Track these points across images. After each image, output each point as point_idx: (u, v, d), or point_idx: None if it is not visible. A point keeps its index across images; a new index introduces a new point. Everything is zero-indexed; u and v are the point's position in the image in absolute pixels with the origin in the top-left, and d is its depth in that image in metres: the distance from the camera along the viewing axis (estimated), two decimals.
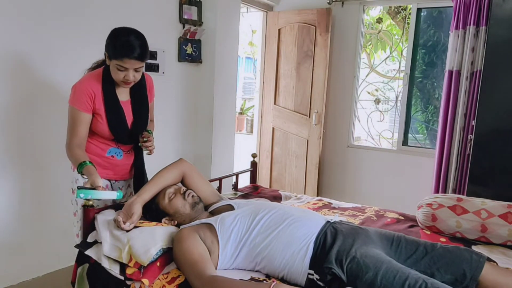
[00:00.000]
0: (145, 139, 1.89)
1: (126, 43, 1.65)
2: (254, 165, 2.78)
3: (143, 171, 2.02)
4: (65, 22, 2.35)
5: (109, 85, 1.79)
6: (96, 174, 1.62)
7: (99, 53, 1.93)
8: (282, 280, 1.47)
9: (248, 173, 2.78)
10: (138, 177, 1.99)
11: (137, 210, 1.64)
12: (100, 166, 1.84)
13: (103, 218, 1.69)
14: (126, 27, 1.72)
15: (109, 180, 1.93)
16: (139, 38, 1.69)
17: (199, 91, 3.34)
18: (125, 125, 1.85)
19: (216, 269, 1.48)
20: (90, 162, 1.67)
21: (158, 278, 1.46)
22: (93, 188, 1.60)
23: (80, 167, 1.66)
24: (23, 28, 2.17)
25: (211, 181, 2.29)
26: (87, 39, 2.45)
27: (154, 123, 2.11)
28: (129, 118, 1.87)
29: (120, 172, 1.95)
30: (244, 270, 1.54)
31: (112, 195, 1.66)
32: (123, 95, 1.86)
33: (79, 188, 1.59)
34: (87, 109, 1.74)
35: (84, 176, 1.69)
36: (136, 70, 1.72)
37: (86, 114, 1.75)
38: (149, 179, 1.86)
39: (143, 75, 1.88)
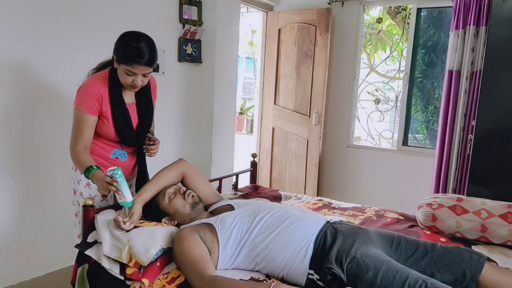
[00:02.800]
0: (151, 142, 1.90)
1: (136, 50, 1.64)
2: (254, 165, 2.78)
3: (145, 172, 2.02)
4: (66, 23, 2.35)
5: (115, 88, 1.78)
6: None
7: (100, 54, 1.93)
8: (282, 280, 1.47)
9: (248, 173, 2.77)
10: (140, 178, 2.00)
11: (137, 210, 1.65)
12: (104, 167, 1.84)
13: (103, 218, 1.69)
14: (136, 32, 1.71)
15: None
16: (149, 44, 1.68)
17: (199, 91, 3.34)
18: (131, 128, 1.85)
19: (216, 269, 1.48)
20: (97, 166, 1.66)
21: (158, 278, 1.46)
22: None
23: (87, 172, 1.65)
24: (24, 30, 2.17)
25: (211, 181, 2.29)
26: (88, 40, 2.46)
27: (155, 123, 2.12)
28: (134, 120, 1.87)
29: (124, 173, 1.95)
30: (244, 270, 1.54)
31: (128, 197, 1.60)
32: (129, 97, 1.85)
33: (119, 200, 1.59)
34: (93, 111, 1.73)
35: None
36: (144, 75, 1.72)
37: (92, 117, 1.74)
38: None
39: None
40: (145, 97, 1.91)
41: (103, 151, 1.86)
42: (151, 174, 1.88)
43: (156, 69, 2.95)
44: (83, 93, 1.73)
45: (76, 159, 1.72)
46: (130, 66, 1.66)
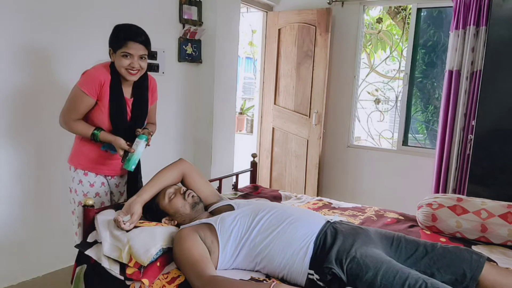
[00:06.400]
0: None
1: (129, 30, 1.75)
2: (254, 165, 2.78)
3: (138, 173, 2.02)
4: (64, 23, 2.35)
5: (116, 78, 1.83)
6: (114, 136, 1.79)
7: (99, 54, 1.94)
8: (282, 280, 1.47)
9: (248, 173, 2.77)
10: (132, 177, 2.01)
11: (137, 210, 1.64)
12: (96, 163, 1.87)
13: (103, 218, 1.69)
14: (127, 23, 1.81)
15: (105, 177, 1.94)
16: (140, 28, 1.81)
17: (199, 91, 3.34)
18: (125, 117, 1.88)
19: (216, 269, 1.48)
20: (97, 129, 1.79)
21: (158, 278, 1.46)
22: (128, 152, 1.79)
23: (95, 136, 1.76)
24: (27, 27, 2.17)
25: (211, 181, 2.29)
26: (87, 40, 2.45)
27: (156, 126, 2.13)
28: (127, 115, 1.89)
29: (116, 167, 1.96)
30: (244, 270, 1.54)
31: (143, 144, 1.82)
32: (126, 92, 1.88)
33: (124, 161, 1.79)
34: (92, 94, 1.77)
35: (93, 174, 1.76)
36: (141, 58, 1.77)
37: (90, 98, 1.78)
38: (145, 179, 1.86)
39: (146, 76, 1.91)
40: (141, 95, 1.94)
41: (94, 144, 1.86)
42: (151, 174, 1.88)
43: (156, 69, 2.95)
44: (87, 76, 1.79)
45: (75, 128, 1.81)
46: (125, 47, 1.73)
